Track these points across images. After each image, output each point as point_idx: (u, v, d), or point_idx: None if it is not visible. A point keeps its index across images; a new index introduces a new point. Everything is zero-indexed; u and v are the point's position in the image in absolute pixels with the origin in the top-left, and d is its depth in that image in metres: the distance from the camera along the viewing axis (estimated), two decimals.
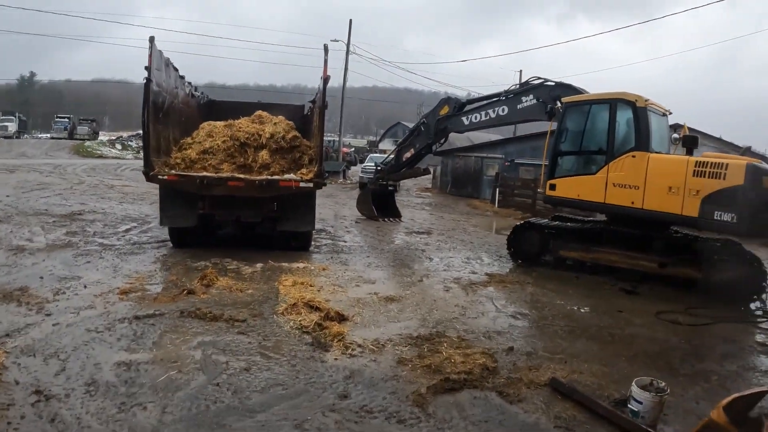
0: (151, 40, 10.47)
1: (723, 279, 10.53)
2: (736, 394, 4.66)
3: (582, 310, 9.31)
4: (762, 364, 7.60)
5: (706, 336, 8.46)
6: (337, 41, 41.80)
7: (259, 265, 10.35)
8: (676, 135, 12.27)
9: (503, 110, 14.65)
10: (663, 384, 5.28)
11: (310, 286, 9.04)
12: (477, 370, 6.01)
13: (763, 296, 10.76)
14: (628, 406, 5.19)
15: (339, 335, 6.75)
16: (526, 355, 6.78)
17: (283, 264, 10.60)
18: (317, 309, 7.57)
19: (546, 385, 5.82)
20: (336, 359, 6.12)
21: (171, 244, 11.93)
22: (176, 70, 12.63)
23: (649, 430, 4.91)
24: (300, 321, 7.17)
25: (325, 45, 11.61)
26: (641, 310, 9.54)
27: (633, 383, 5.24)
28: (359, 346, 6.55)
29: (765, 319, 9.96)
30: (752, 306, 10.64)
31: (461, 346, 6.80)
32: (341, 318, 7.44)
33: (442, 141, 17.44)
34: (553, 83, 13.71)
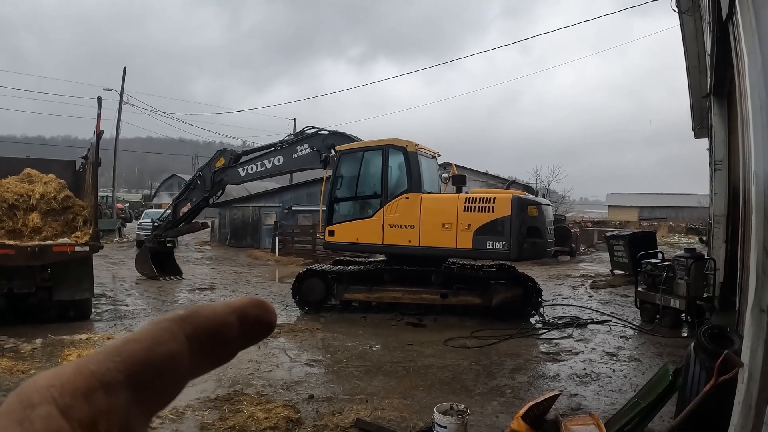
0: None
1: (501, 300, 11.55)
2: (531, 402, 5.09)
3: (374, 349, 9.61)
4: (549, 370, 8.43)
5: (493, 355, 9.16)
6: (111, 90, 39.38)
7: (38, 341, 9.37)
8: (445, 174, 13.25)
9: (279, 160, 14.81)
10: (462, 406, 5.61)
11: None
12: (281, 423, 5.96)
13: (541, 310, 11.99)
14: None
15: None
16: (327, 401, 6.84)
17: (65, 337, 9.72)
18: None
19: (352, 427, 5.93)
20: None
21: None
22: None
23: None
24: None
25: (98, 98, 11.04)
26: (429, 340, 10.10)
27: (434, 410, 5.49)
28: (158, 417, 6.16)
29: (546, 330, 11.06)
30: (532, 320, 11.79)
31: (261, 401, 6.70)
32: None
33: (219, 193, 17.17)
34: (326, 132, 14.15)
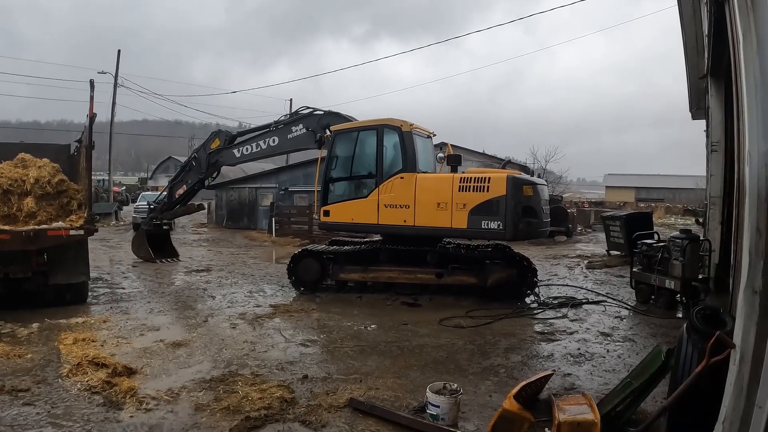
0: None
1: (496, 280, 11.59)
2: (524, 382, 5.13)
3: (369, 329, 9.64)
4: (543, 350, 8.46)
5: (488, 335, 9.20)
6: (105, 73, 39.23)
7: (35, 325, 9.36)
8: (441, 154, 13.23)
9: (274, 141, 14.79)
10: (456, 385, 5.67)
11: (93, 341, 8.38)
12: (276, 403, 5.97)
13: (536, 290, 12.03)
14: (427, 411, 5.48)
15: (131, 390, 6.33)
16: (321, 381, 6.87)
17: (61, 321, 9.72)
18: (103, 365, 7.04)
19: (346, 406, 5.95)
20: (132, 416, 5.73)
21: None
22: None
23: (451, 429, 5.22)
24: (87, 381, 6.63)
25: (91, 80, 10.96)
26: (424, 320, 10.15)
27: (427, 389, 5.55)
28: (153, 398, 6.20)
29: (541, 310, 11.11)
30: (527, 300, 11.87)
31: (256, 382, 6.71)
32: (130, 372, 7.00)
33: (214, 175, 17.14)
34: (321, 112, 14.13)
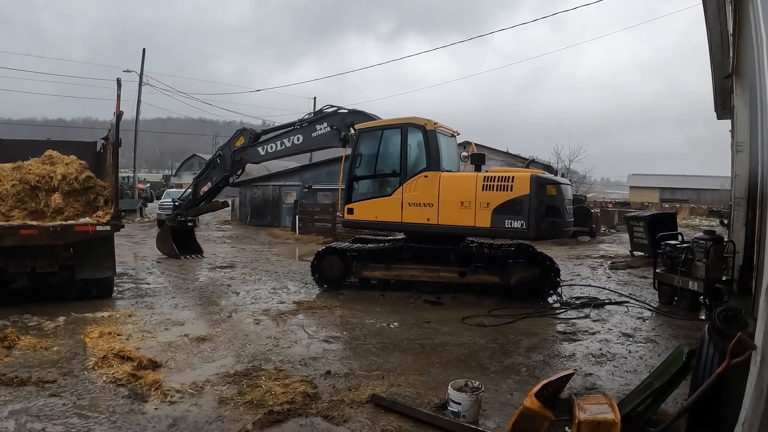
0: None
1: (519, 279, 11.59)
2: (545, 381, 5.13)
3: (391, 326, 9.69)
4: (565, 350, 8.46)
5: (510, 334, 9.22)
6: (130, 72, 39.69)
7: (61, 319, 9.53)
8: (465, 153, 13.24)
9: (298, 139, 14.88)
10: (477, 383, 5.70)
11: (118, 335, 8.52)
12: (299, 398, 6.03)
13: (558, 290, 12.00)
14: (448, 408, 5.52)
15: (155, 383, 6.46)
16: (344, 377, 6.93)
17: (87, 314, 9.90)
18: (129, 359, 7.17)
19: (368, 402, 6.00)
20: (156, 409, 5.84)
21: None
22: None
23: (472, 427, 5.25)
24: (113, 374, 6.76)
25: (118, 79, 11.19)
26: (447, 318, 10.18)
27: (449, 387, 5.59)
28: (178, 391, 6.30)
29: (563, 310, 11.09)
30: (549, 300, 11.87)
31: (279, 377, 6.78)
32: (155, 365, 7.11)
33: (239, 172, 17.29)
34: (346, 111, 14.18)
